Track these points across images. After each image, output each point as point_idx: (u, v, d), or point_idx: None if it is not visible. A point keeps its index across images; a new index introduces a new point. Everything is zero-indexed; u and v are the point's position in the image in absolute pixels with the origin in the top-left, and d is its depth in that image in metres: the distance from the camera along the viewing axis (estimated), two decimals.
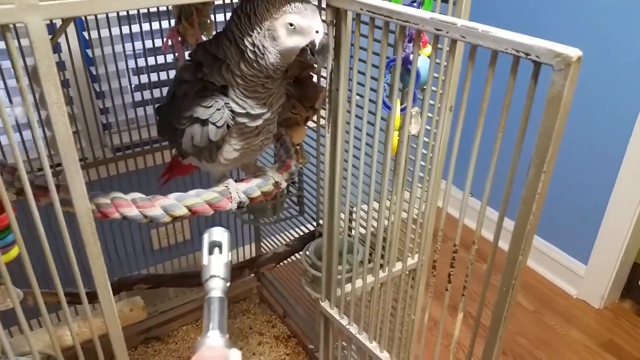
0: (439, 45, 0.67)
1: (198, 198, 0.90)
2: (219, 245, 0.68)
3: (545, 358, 1.94)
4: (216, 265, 0.67)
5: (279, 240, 1.79)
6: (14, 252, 0.87)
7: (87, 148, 1.52)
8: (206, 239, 0.69)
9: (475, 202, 0.72)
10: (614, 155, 1.95)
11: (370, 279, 0.99)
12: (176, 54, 1.39)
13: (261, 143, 0.96)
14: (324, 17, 0.79)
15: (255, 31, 0.78)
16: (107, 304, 0.79)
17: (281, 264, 1.47)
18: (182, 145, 0.91)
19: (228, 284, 0.67)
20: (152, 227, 1.83)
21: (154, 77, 1.49)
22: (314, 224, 1.55)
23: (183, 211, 0.88)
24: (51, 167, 1.34)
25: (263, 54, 0.79)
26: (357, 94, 0.82)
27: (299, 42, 0.78)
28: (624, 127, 1.89)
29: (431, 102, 0.95)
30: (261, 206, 1.52)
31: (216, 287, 0.64)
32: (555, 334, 2.05)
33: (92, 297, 0.83)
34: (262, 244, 1.90)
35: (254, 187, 0.96)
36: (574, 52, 0.52)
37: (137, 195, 0.88)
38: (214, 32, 1.37)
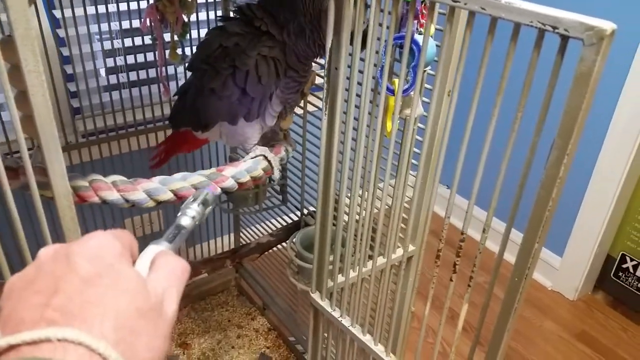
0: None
1: (184, 182, 0.84)
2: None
3: (520, 348, 1.95)
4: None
5: (259, 230, 1.74)
6: None
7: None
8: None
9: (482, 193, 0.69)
10: (590, 148, 1.97)
11: (364, 268, 0.95)
12: (154, 34, 1.32)
13: (294, 103, 1.04)
14: None
15: (317, 12, 0.86)
16: None
17: (261, 256, 1.42)
18: (224, 102, 0.95)
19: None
20: (126, 216, 1.75)
21: (129, 59, 1.41)
22: (298, 213, 1.51)
23: (168, 195, 0.82)
24: (9, 154, 1.25)
25: (314, 31, 0.88)
26: (359, 71, 0.77)
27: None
28: (601, 119, 1.90)
29: (427, 86, 0.92)
30: (242, 195, 1.46)
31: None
32: (530, 325, 2.07)
33: None
34: (241, 234, 1.84)
35: (243, 171, 0.91)
36: (607, 25, 0.49)
37: (117, 177, 0.81)
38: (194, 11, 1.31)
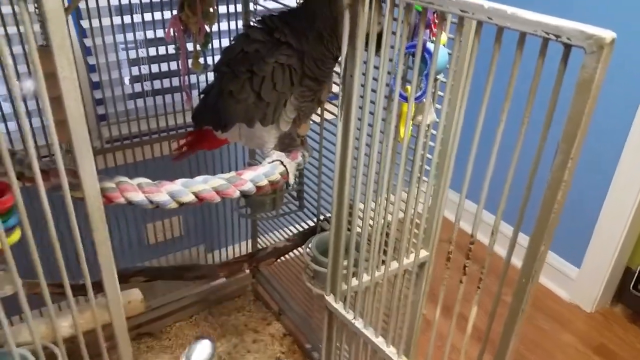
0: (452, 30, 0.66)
1: (205, 184, 0.88)
2: None
3: None
4: None
5: (277, 236, 1.77)
6: (15, 237, 0.84)
7: None
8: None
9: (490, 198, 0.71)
10: (609, 159, 1.97)
11: (378, 272, 0.97)
12: (177, 44, 1.37)
13: (310, 111, 1.08)
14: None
15: (334, 13, 0.89)
16: (113, 292, 0.76)
17: (277, 260, 1.45)
18: (241, 104, 0.99)
19: None
20: (147, 220, 1.80)
21: (152, 68, 1.46)
22: (314, 219, 1.54)
23: (190, 197, 0.86)
24: (45, 156, 1.31)
25: (332, 36, 0.91)
26: (374, 79, 0.80)
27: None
28: (619, 130, 1.90)
29: (440, 93, 0.95)
30: (260, 200, 1.50)
31: None
32: (547, 337, 2.06)
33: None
34: (259, 240, 1.88)
35: (261, 175, 0.94)
36: (607, 34, 0.51)
37: (142, 180, 0.85)
38: (216, 22, 1.36)
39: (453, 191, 2.48)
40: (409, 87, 0.83)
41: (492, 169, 0.67)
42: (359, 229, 0.94)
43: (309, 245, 1.28)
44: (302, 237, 1.39)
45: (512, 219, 0.65)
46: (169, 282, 1.47)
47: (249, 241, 1.92)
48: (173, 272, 1.33)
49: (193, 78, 1.62)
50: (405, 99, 0.83)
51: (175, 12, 1.31)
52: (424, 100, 0.83)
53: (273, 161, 1.00)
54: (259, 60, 0.96)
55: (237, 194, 0.90)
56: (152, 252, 1.84)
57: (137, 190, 0.84)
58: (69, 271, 0.77)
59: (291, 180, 1.02)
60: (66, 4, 0.57)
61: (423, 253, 1.10)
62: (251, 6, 1.48)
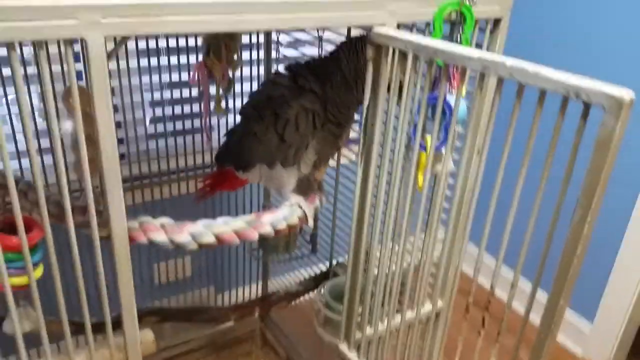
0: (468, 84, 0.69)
1: (226, 226, 0.89)
2: None
3: None
4: None
5: (288, 279, 1.77)
6: (37, 273, 0.86)
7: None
8: None
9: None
10: (622, 211, 1.96)
11: (394, 321, 0.97)
12: (201, 87, 1.41)
13: (330, 155, 1.11)
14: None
15: (359, 62, 0.92)
16: (132, 333, 0.77)
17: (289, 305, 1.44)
18: (264, 145, 1.02)
19: None
20: (157, 260, 1.80)
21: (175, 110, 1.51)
22: (327, 263, 1.54)
23: (210, 239, 0.88)
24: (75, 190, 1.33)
25: (357, 81, 0.94)
26: (394, 128, 0.83)
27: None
28: (633, 182, 1.90)
29: (457, 143, 0.97)
30: (274, 242, 1.50)
31: None
32: None
33: (101, 328, 0.81)
34: (268, 282, 1.87)
35: (280, 218, 0.96)
36: (626, 94, 0.53)
37: (165, 220, 0.87)
38: (239, 68, 1.41)
39: (471, 243, 2.47)
40: (428, 137, 0.86)
41: (510, 224, 0.68)
42: (375, 276, 0.95)
43: (322, 291, 1.28)
44: (315, 282, 1.39)
45: (531, 273, 0.65)
46: (176, 323, 1.47)
47: (259, 283, 1.92)
48: (184, 313, 1.32)
49: (213, 120, 1.66)
50: (425, 148, 0.85)
51: (199, 57, 1.37)
52: (443, 150, 0.85)
53: (292, 205, 1.01)
54: (284, 104, 0.99)
55: (256, 236, 0.91)
56: (161, 292, 1.84)
57: (159, 230, 0.85)
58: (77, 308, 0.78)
59: (310, 224, 1.03)
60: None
61: (439, 303, 1.09)
62: (273, 54, 1.53)
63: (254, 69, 1.55)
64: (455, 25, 0.83)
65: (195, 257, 1.89)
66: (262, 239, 1.11)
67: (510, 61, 0.61)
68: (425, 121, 0.88)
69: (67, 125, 0.64)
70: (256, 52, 1.55)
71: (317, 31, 1.42)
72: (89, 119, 0.66)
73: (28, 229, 0.85)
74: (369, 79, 0.79)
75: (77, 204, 0.91)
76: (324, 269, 1.52)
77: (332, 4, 0.72)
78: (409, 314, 0.95)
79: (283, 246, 1.53)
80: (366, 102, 0.81)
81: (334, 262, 1.48)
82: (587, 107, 0.57)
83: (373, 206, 0.90)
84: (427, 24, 0.82)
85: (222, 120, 1.61)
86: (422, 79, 0.80)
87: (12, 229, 0.72)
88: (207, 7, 0.64)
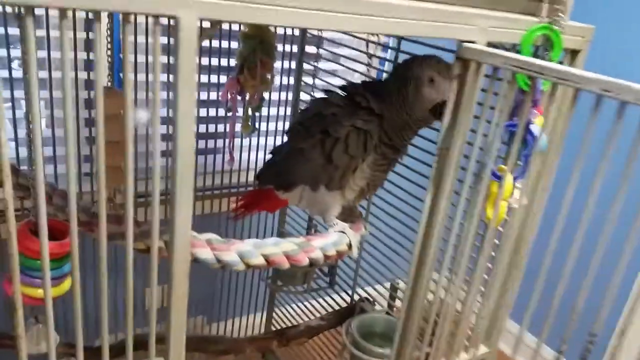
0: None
1: (276, 248, 0.81)
2: None
3: None
4: None
5: (294, 309, 1.69)
6: (66, 285, 0.76)
7: None
8: None
9: None
10: None
11: None
12: (230, 105, 1.35)
13: (380, 182, 1.04)
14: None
15: (407, 80, 0.90)
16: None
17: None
18: (309, 164, 0.97)
19: None
20: (145, 284, 1.68)
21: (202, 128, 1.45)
22: (343, 295, 1.46)
23: (259, 260, 0.80)
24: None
25: (405, 99, 0.90)
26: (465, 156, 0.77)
27: (434, 96, 0.89)
28: None
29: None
30: (291, 272, 1.42)
31: None
32: None
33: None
34: (274, 312, 1.78)
35: (330, 244, 0.89)
36: None
37: (212, 236, 0.79)
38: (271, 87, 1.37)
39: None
40: (502, 166, 0.80)
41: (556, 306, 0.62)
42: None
43: (349, 328, 1.19)
44: (339, 317, 1.30)
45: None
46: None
47: (261, 314, 1.82)
48: (197, 342, 1.22)
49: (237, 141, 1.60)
50: (498, 177, 0.80)
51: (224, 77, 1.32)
52: (519, 182, 0.80)
53: (339, 231, 0.94)
54: (335, 122, 0.93)
55: (306, 261, 0.84)
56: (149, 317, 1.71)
57: (205, 246, 0.77)
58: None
59: (354, 254, 0.96)
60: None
61: (482, 349, 1.02)
62: (309, 80, 1.50)
63: (283, 94, 1.51)
64: (538, 50, 0.79)
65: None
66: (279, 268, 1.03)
67: (634, 84, 0.57)
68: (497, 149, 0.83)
69: (142, 115, 0.57)
70: (287, 78, 1.52)
71: (367, 48, 1.38)
72: (118, 123, 0.60)
73: (62, 235, 0.77)
74: (451, 98, 0.74)
75: (110, 213, 0.82)
76: (339, 299, 1.43)
77: (424, 11, 0.68)
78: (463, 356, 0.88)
79: (300, 277, 1.45)
80: (445, 123, 0.75)
81: (356, 296, 1.41)
82: None
83: (445, 240, 0.83)
84: (512, 47, 0.78)
85: (245, 141, 1.55)
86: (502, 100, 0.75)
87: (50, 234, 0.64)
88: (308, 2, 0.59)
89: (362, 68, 1.39)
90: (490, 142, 0.73)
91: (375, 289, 1.40)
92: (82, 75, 1.30)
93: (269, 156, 1.12)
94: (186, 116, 0.56)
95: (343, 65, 1.49)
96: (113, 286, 0.75)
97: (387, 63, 1.43)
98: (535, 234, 0.95)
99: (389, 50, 1.63)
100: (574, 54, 0.85)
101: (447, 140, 0.77)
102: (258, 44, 1.30)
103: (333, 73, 1.54)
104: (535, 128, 0.77)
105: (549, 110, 0.66)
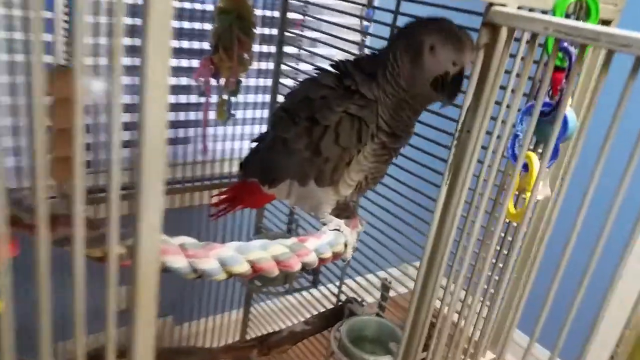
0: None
1: (264, 252, 0.68)
2: None
3: None
4: None
5: (271, 309, 1.59)
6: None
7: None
8: None
9: None
10: None
11: None
12: (203, 88, 1.21)
13: (380, 175, 0.90)
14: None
15: (405, 47, 0.76)
16: None
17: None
18: (294, 157, 0.84)
19: None
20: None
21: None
22: (328, 296, 1.35)
23: (244, 267, 0.66)
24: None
25: (398, 68, 0.77)
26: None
27: (431, 67, 0.74)
28: None
29: None
30: None
31: None
32: None
33: None
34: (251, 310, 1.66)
35: (325, 244, 0.76)
36: None
37: (186, 239, 0.65)
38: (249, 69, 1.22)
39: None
40: (531, 153, 0.69)
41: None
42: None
43: (337, 333, 1.07)
44: (324, 321, 1.18)
45: None
46: None
47: (234, 312, 1.69)
48: (167, 354, 1.08)
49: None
50: (525, 167, 0.69)
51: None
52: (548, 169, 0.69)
53: (334, 229, 0.82)
54: (325, 107, 0.80)
55: (298, 266, 0.71)
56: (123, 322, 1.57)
57: (179, 253, 0.63)
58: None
59: (349, 255, 0.84)
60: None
61: (489, 355, 0.93)
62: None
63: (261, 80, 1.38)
64: (569, 18, 0.68)
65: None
66: None
67: None
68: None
69: (97, 86, 0.43)
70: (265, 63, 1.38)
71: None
72: (68, 107, 0.47)
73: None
74: (476, 69, 0.62)
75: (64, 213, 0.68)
76: (322, 298, 1.32)
77: None
78: None
79: (281, 278, 1.33)
80: (467, 103, 0.64)
81: (341, 295, 1.30)
82: None
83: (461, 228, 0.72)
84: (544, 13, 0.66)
85: (220, 130, 1.41)
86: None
87: None
88: None
89: (357, 37, 1.25)
90: (529, 123, 0.61)
91: (363, 288, 1.29)
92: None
93: (253, 144, 0.99)
94: (158, 86, 0.42)
95: (332, 35, 1.25)
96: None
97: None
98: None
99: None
100: (604, 24, 0.74)
101: (469, 122, 0.66)
102: (235, 20, 1.16)
103: (321, 42, 1.33)
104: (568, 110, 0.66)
105: (598, 87, 0.55)
